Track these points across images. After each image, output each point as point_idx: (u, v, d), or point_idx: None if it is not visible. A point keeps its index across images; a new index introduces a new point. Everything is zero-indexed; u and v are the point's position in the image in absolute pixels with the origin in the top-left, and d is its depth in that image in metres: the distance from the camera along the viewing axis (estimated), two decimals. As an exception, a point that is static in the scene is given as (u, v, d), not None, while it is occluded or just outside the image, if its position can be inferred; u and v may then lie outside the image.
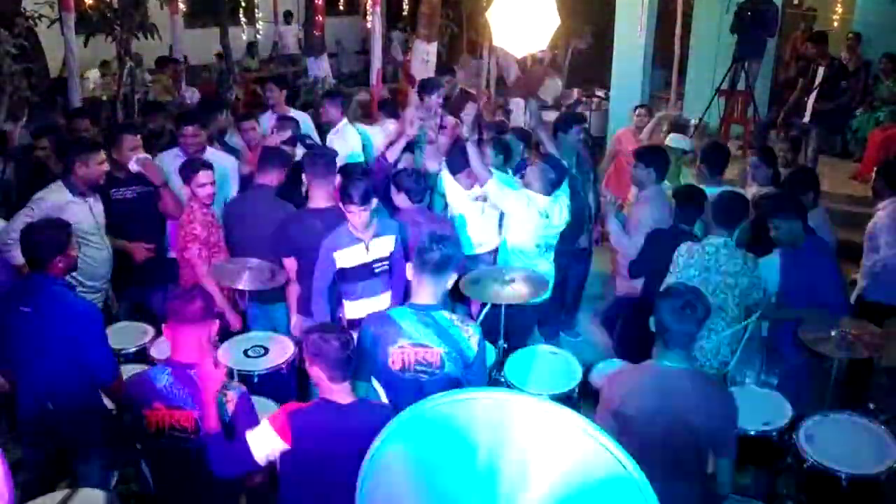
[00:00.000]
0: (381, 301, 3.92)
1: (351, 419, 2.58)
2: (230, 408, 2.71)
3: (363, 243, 3.82)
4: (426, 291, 2.92)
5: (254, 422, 2.70)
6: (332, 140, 5.72)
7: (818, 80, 7.87)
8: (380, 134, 5.96)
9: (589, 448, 1.50)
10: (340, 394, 2.64)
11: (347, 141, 5.67)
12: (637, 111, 7.13)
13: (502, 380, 3.84)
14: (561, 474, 1.50)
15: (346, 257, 3.82)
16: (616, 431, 2.72)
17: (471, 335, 2.89)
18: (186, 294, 2.88)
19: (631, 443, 2.62)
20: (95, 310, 3.36)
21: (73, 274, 3.67)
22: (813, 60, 8.04)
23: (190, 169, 4.32)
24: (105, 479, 3.40)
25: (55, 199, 4.15)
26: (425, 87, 5.57)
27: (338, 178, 4.25)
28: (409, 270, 3.01)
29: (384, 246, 3.91)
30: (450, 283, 2.97)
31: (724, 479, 2.75)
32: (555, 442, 1.52)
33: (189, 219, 4.30)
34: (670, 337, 2.73)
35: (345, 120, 5.95)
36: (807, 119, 7.95)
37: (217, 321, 2.92)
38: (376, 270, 3.90)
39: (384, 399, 2.93)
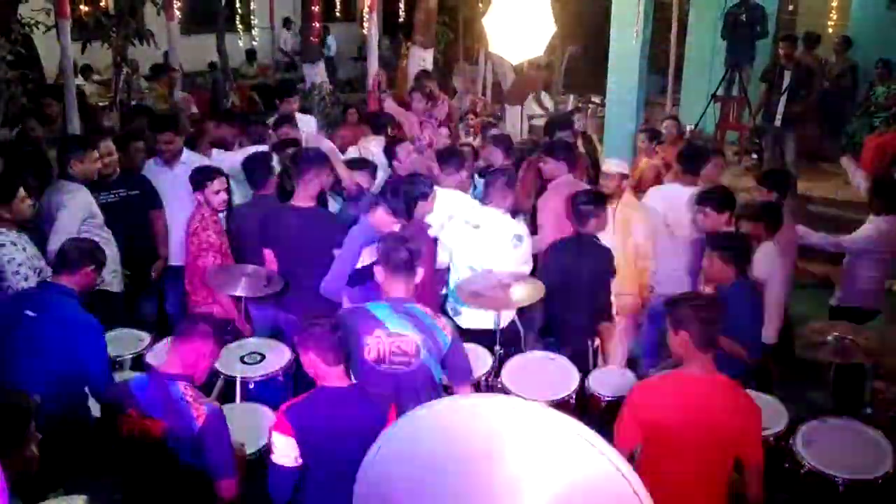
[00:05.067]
0: None
1: (349, 401, 2.67)
2: (199, 423, 2.70)
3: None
4: (399, 287, 2.98)
5: (224, 440, 2.74)
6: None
7: (786, 83, 7.87)
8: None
9: (587, 455, 1.49)
10: (336, 378, 2.71)
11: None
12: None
13: (499, 386, 3.82)
14: (559, 481, 1.50)
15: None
16: (644, 441, 2.74)
17: (444, 325, 2.97)
18: (193, 316, 2.98)
19: (662, 452, 2.68)
20: (97, 322, 3.36)
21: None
22: (779, 64, 8.06)
23: (203, 176, 4.31)
24: (98, 487, 3.37)
25: (86, 194, 4.26)
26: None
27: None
28: (379, 273, 3.05)
29: None
30: (419, 276, 3.02)
31: (753, 487, 2.74)
32: (552, 448, 1.51)
33: (203, 226, 4.28)
34: (694, 343, 2.70)
35: None
36: (778, 123, 7.95)
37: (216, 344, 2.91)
38: None
39: None
